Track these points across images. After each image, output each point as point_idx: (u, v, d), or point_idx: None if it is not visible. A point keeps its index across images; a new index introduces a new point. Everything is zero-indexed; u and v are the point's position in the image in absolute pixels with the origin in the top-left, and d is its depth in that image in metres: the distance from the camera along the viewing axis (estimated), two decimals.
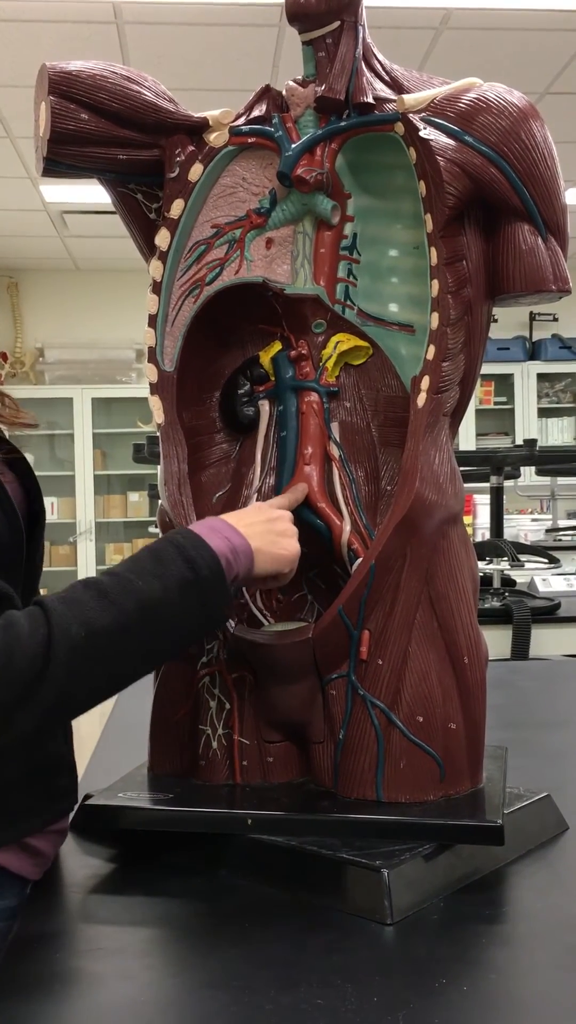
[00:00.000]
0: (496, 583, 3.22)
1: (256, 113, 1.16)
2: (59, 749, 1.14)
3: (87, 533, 7.30)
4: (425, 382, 1.08)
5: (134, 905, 1.01)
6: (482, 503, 5.04)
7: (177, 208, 1.15)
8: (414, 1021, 0.77)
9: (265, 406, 1.22)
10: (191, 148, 1.15)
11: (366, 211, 1.17)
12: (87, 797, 1.16)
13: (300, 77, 1.15)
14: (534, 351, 7.55)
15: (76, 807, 1.15)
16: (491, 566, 3.21)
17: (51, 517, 6.71)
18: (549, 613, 3.08)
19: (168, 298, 1.17)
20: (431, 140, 1.05)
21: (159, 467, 1.17)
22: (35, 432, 5.98)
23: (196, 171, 1.15)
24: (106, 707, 1.42)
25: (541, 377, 7.54)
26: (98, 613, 0.90)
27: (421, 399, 1.09)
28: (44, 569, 1.18)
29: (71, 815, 1.15)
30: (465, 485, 1.16)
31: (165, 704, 1.19)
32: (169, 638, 0.96)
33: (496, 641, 2.71)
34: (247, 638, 1.12)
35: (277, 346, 1.21)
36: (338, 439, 1.19)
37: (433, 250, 1.07)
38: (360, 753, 1.09)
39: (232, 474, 1.23)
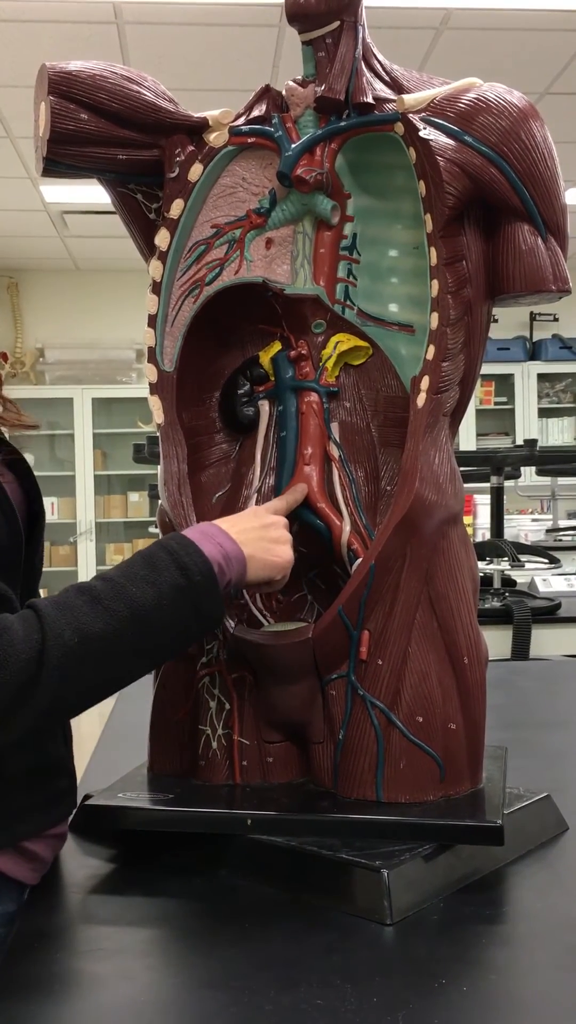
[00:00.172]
0: (496, 583, 3.22)
1: (256, 113, 1.16)
2: (58, 752, 1.14)
3: (87, 533, 7.30)
4: (425, 382, 1.08)
5: (134, 905, 1.01)
6: (482, 503, 5.04)
7: (177, 208, 1.15)
8: (414, 1021, 0.77)
9: (265, 406, 1.22)
10: (191, 148, 1.15)
11: (366, 211, 1.17)
12: (87, 797, 1.16)
13: (300, 77, 1.15)
14: (534, 351, 7.55)
15: (76, 808, 1.15)
16: (491, 566, 3.21)
17: (51, 517, 6.72)
18: (549, 613, 3.08)
19: (168, 298, 1.17)
20: (431, 140, 1.05)
21: (159, 467, 1.17)
22: (35, 432, 6.00)
23: (196, 171, 1.15)
24: (106, 707, 1.42)
25: (541, 377, 7.54)
26: (91, 618, 0.91)
27: (421, 399, 1.09)
28: (44, 569, 1.18)
29: (70, 819, 1.15)
30: (465, 485, 1.17)
31: (165, 704, 1.19)
32: (161, 643, 0.97)
33: (496, 641, 2.71)
34: (247, 638, 1.12)
35: (277, 346, 1.21)
36: (338, 439, 1.19)
37: (433, 250, 1.07)
38: (360, 753, 1.09)
39: (232, 474, 1.23)
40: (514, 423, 7.48)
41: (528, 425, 7.44)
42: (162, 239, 1.16)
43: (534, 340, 7.57)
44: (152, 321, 1.17)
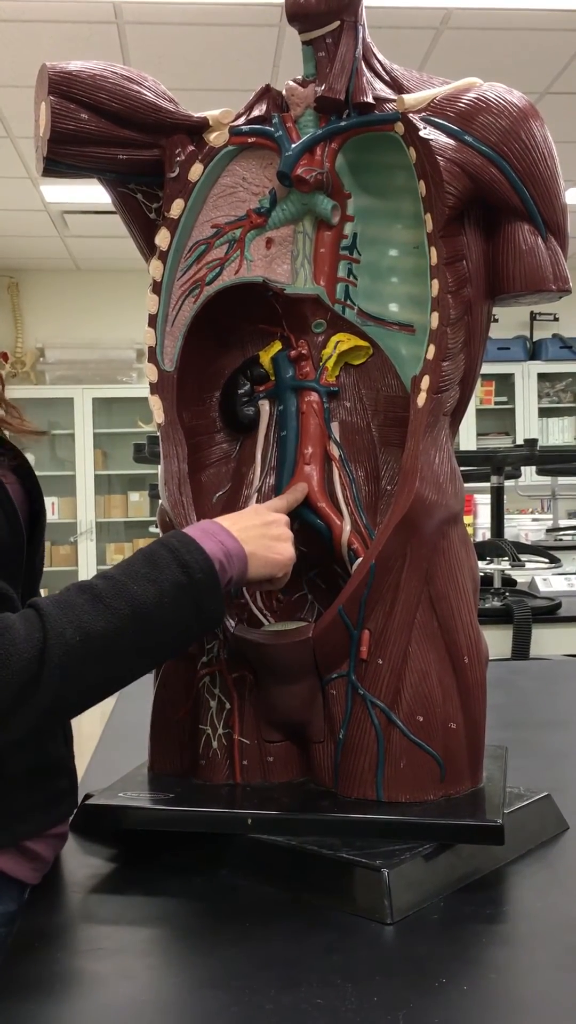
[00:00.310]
0: (497, 583, 3.22)
1: (256, 113, 1.16)
2: (58, 751, 1.14)
3: (88, 533, 7.30)
4: (425, 382, 1.08)
5: (135, 905, 1.01)
6: (482, 503, 5.05)
7: (177, 208, 1.15)
8: (414, 1021, 0.77)
9: (265, 406, 1.22)
10: (191, 148, 1.15)
11: (366, 211, 1.17)
12: (87, 797, 1.16)
13: (300, 77, 1.15)
14: (535, 351, 7.54)
15: (76, 808, 1.15)
16: (492, 566, 3.21)
17: (52, 517, 6.71)
18: (550, 613, 3.08)
19: (168, 298, 1.17)
20: (431, 140, 1.05)
21: (159, 467, 1.17)
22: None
23: (196, 171, 1.15)
24: (106, 707, 1.42)
25: (542, 377, 7.54)
26: (92, 617, 0.91)
27: (421, 399, 1.09)
28: (45, 569, 1.18)
29: (70, 818, 1.15)
30: (465, 485, 1.17)
31: (165, 704, 1.19)
32: (163, 641, 0.96)
33: (496, 641, 2.71)
34: (247, 638, 1.12)
35: (277, 346, 1.21)
36: (338, 439, 1.19)
37: (433, 250, 1.07)
38: (360, 753, 1.09)
39: (232, 474, 1.23)
40: (514, 423, 7.48)
41: (528, 425, 7.44)
42: (162, 239, 1.16)
43: (534, 340, 7.57)
44: (152, 321, 1.17)
